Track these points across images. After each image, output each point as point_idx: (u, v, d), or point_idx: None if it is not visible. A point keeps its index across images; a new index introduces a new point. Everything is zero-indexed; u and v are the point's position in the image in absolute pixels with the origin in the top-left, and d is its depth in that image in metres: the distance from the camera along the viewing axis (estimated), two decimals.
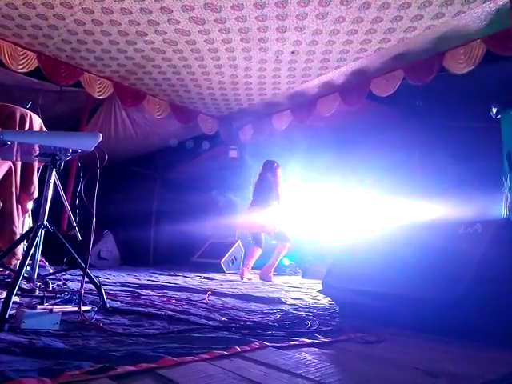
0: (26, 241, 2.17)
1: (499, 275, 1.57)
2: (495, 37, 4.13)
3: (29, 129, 2.49)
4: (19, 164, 2.57)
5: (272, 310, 2.21)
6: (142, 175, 8.35)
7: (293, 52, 4.84)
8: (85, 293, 1.92)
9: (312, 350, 1.35)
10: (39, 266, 2.15)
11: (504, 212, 3.18)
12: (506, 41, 3.96)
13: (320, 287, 2.32)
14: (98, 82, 5.64)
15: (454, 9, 3.89)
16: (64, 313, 1.59)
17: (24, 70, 4.92)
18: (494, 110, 3.70)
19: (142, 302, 2.29)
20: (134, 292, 2.72)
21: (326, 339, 1.49)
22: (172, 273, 5.00)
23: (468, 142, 4.78)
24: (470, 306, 1.50)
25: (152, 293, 2.76)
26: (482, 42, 4.26)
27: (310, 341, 1.44)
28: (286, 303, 2.53)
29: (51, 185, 2.01)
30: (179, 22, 4.29)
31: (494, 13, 3.91)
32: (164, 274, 4.75)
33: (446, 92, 5.01)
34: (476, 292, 1.49)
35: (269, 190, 4.86)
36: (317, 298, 2.90)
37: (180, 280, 4.10)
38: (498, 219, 2.10)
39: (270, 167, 5.00)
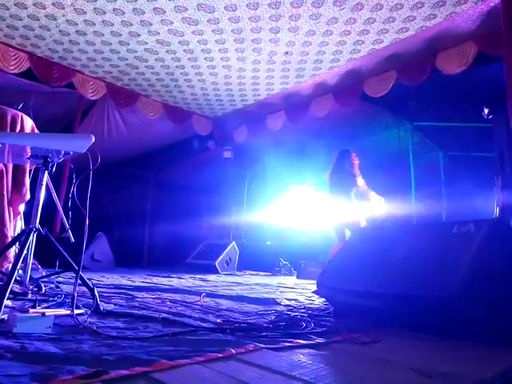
0: (17, 244, 2.15)
1: (491, 274, 1.58)
2: (487, 38, 4.16)
3: (20, 130, 2.47)
4: (10, 166, 2.54)
5: (267, 311, 2.21)
6: (136, 176, 8.31)
7: (286, 53, 4.85)
8: (78, 296, 1.91)
9: (307, 351, 1.35)
10: (32, 268, 2.13)
11: (496, 211, 3.21)
12: (498, 42, 3.99)
13: (315, 288, 2.32)
14: (91, 82, 5.60)
15: (446, 10, 3.91)
16: (57, 316, 1.57)
17: (16, 71, 4.88)
18: (486, 111, 3.74)
19: (136, 304, 2.28)
20: (128, 294, 2.70)
21: (320, 340, 1.49)
22: (166, 274, 4.98)
23: (460, 142, 4.82)
24: (463, 305, 1.51)
25: (146, 295, 2.74)
26: (474, 43, 4.29)
27: (305, 342, 1.44)
28: (280, 304, 2.52)
29: (43, 187, 1.99)
30: (172, 22, 4.28)
31: (486, 14, 3.95)
32: (158, 276, 4.73)
33: (438, 93, 5.04)
34: (468, 291, 1.50)
35: (347, 180, 4.56)
36: (312, 298, 2.90)
37: (174, 282, 4.08)
38: (491, 219, 2.12)
39: (346, 156, 4.68)
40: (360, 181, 4.59)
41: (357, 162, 4.68)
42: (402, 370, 1.16)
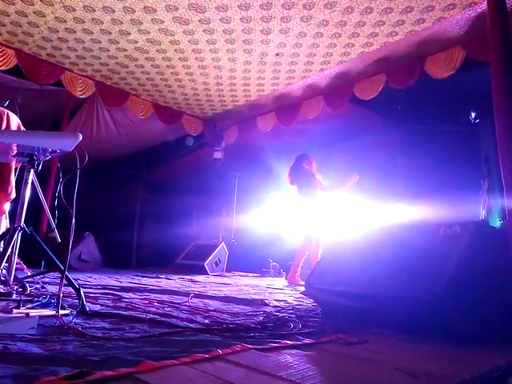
0: (2, 243, 2.12)
1: (476, 275, 1.60)
2: (474, 42, 4.22)
3: (6, 128, 2.43)
4: None
5: (255, 311, 2.21)
6: (125, 176, 8.24)
7: (277, 54, 4.85)
8: (64, 296, 1.89)
9: (294, 351, 1.35)
10: (16, 268, 2.09)
11: (482, 214, 3.27)
12: (484, 47, 4.05)
13: (303, 289, 2.32)
14: (80, 80, 5.53)
15: (435, 15, 3.96)
16: (41, 317, 1.55)
17: (3, 68, 4.79)
18: (473, 115, 3.80)
19: (123, 305, 2.26)
20: (115, 295, 2.68)
21: (308, 341, 1.49)
22: (155, 275, 4.94)
23: (448, 146, 4.88)
24: (448, 306, 1.52)
25: (133, 295, 2.72)
26: (462, 48, 4.36)
27: (292, 342, 1.44)
28: (269, 305, 2.53)
29: (29, 185, 1.96)
30: (163, 21, 4.26)
31: (473, 19, 4.01)
32: (146, 277, 4.70)
33: (427, 96, 5.10)
34: (454, 292, 1.52)
35: (308, 182, 4.80)
36: (300, 299, 2.91)
37: (163, 282, 4.05)
38: (476, 221, 2.15)
39: (304, 160, 4.93)
40: (319, 177, 4.85)
41: (314, 165, 4.93)
42: (388, 370, 1.17)
